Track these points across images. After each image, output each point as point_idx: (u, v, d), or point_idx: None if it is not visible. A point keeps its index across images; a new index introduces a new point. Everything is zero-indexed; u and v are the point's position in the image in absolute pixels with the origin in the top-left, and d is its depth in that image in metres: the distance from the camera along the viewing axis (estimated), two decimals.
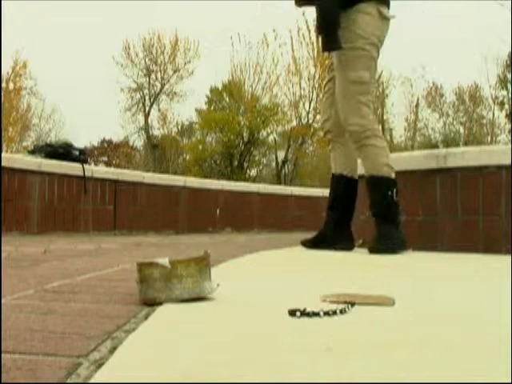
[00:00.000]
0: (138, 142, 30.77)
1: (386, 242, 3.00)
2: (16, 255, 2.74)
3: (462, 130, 29.37)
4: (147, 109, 28.98)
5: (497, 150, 3.43)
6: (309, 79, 23.59)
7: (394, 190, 3.04)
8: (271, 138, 25.71)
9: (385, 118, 27.74)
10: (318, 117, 21.26)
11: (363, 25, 3.05)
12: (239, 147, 25.25)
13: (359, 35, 3.05)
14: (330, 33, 3.03)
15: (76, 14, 41.09)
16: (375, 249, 2.97)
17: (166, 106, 29.38)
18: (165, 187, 7.12)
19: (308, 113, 23.88)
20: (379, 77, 26.72)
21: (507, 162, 3.01)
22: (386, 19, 3.10)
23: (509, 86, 25.26)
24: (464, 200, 3.18)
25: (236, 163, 25.25)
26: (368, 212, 3.44)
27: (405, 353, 0.90)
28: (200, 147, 26.60)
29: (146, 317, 1.17)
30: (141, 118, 29.03)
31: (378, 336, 1.02)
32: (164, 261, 1.32)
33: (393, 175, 3.07)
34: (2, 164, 4.90)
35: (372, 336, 1.02)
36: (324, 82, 3.48)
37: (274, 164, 27.29)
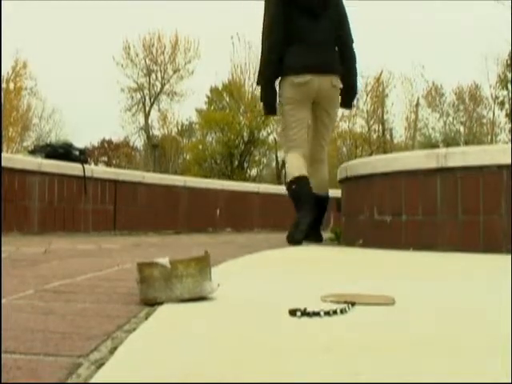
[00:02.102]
0: (138, 142, 30.81)
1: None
2: (16, 255, 2.75)
3: (462, 130, 29.37)
4: (147, 109, 28.99)
5: (497, 149, 3.43)
6: None
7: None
8: (271, 137, 25.72)
9: (385, 117, 27.73)
10: None
11: (283, 92, 4.15)
12: (239, 147, 25.26)
13: (281, 100, 4.17)
14: (268, 104, 4.23)
15: (76, 14, 41.13)
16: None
17: (166, 106, 29.42)
18: (165, 187, 7.12)
19: None
20: (379, 76, 26.79)
21: (507, 161, 3.01)
22: (298, 85, 4.06)
23: (509, 85, 25.26)
24: (464, 199, 3.18)
25: (236, 163, 25.26)
26: (367, 212, 3.49)
27: (405, 353, 0.90)
28: (200, 147, 26.62)
29: (147, 317, 1.17)
30: (141, 118, 29.05)
31: (379, 336, 1.02)
32: (164, 261, 1.32)
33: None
34: (2, 164, 4.90)
35: (372, 336, 1.02)
36: None
37: (274, 164, 27.29)
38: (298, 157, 4.09)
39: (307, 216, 3.88)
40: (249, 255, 2.77)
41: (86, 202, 5.82)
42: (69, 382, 0.75)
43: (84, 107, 41.21)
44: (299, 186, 4.01)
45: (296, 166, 4.08)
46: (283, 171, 25.11)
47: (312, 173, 4.15)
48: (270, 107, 4.24)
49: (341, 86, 4.18)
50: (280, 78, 4.15)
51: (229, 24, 41.69)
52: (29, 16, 38.93)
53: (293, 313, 1.14)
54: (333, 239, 4.47)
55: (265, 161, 27.90)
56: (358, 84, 4.45)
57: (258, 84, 4.33)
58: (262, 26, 4.19)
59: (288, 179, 4.11)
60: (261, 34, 4.22)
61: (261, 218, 8.57)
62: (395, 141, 28.40)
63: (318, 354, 0.87)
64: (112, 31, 44.99)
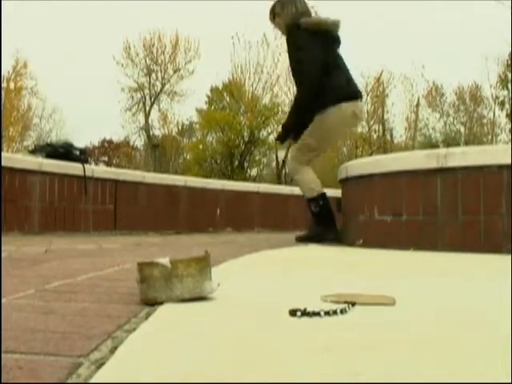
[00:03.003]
0: (139, 141, 30.80)
1: (311, 234, 4.21)
2: (17, 255, 2.75)
3: (462, 130, 29.36)
4: (148, 109, 28.98)
5: (497, 149, 3.43)
6: None
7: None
8: (272, 137, 25.69)
9: (385, 117, 27.72)
10: None
11: (327, 118, 4.14)
12: (240, 147, 25.25)
13: (319, 127, 4.20)
14: (291, 133, 4.34)
15: (76, 14, 41.13)
16: (302, 238, 4.18)
17: (167, 105, 29.42)
18: (165, 187, 7.12)
19: None
20: (379, 76, 26.78)
21: (508, 161, 3.01)
22: (351, 116, 4.19)
23: (509, 85, 25.26)
24: (464, 200, 3.18)
25: (236, 163, 25.25)
26: (368, 212, 3.49)
27: (405, 353, 0.90)
28: (200, 147, 26.60)
29: (147, 317, 1.17)
30: (141, 117, 29.04)
31: (379, 336, 1.02)
32: (164, 260, 1.32)
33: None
34: (3, 164, 4.90)
35: (372, 336, 1.02)
36: None
37: (274, 164, 27.28)
38: (314, 174, 4.35)
39: (335, 233, 4.16)
40: (249, 255, 2.77)
41: (86, 201, 5.82)
42: (69, 381, 0.75)
43: (84, 107, 41.25)
44: (327, 202, 4.25)
45: (316, 180, 4.30)
46: (283, 171, 25.14)
47: None
48: (289, 136, 4.37)
49: None
50: (325, 106, 4.13)
51: (229, 24, 41.65)
52: (29, 16, 38.94)
53: (293, 313, 1.14)
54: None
55: (265, 161, 27.89)
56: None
57: (296, 112, 4.29)
58: (290, 59, 4.24)
59: (314, 193, 4.26)
60: (291, 63, 4.26)
61: (261, 217, 8.57)
62: (395, 141, 28.39)
63: (318, 354, 0.87)
64: (112, 31, 44.97)
